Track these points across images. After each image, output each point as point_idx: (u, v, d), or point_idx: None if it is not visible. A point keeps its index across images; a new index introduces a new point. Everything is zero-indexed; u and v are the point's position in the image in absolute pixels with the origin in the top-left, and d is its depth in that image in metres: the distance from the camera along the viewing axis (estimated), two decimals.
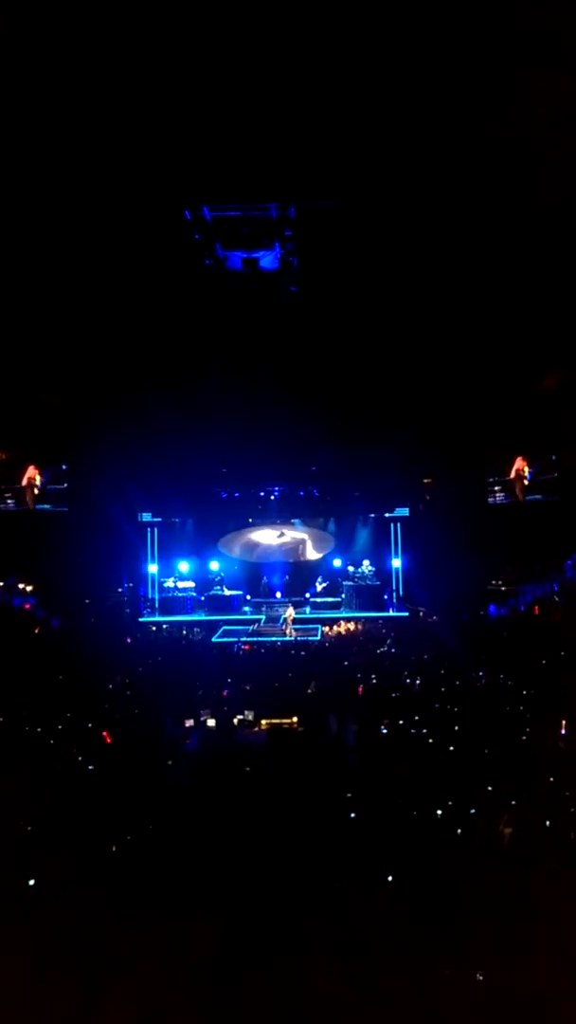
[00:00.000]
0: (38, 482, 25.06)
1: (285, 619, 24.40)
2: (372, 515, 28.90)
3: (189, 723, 12.02)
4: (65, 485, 26.12)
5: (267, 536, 29.92)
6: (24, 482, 24.82)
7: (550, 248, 13.45)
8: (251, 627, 24.94)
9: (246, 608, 27.28)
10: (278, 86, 9.46)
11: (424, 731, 10.82)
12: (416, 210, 12.54)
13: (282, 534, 29.77)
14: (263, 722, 12.64)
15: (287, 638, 22.85)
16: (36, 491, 24.88)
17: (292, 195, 12.14)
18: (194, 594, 27.33)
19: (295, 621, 24.31)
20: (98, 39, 8.64)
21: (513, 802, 7.54)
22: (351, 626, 24.36)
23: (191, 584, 27.62)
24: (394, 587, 27.84)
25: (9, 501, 24.73)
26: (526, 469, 24.96)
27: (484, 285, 15.12)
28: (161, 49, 8.91)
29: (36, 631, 21.24)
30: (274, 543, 29.83)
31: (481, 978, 4.66)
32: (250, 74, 9.28)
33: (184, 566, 28.30)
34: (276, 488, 28.46)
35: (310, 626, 24.28)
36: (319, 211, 12.54)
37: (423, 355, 18.30)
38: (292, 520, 29.73)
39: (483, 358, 18.61)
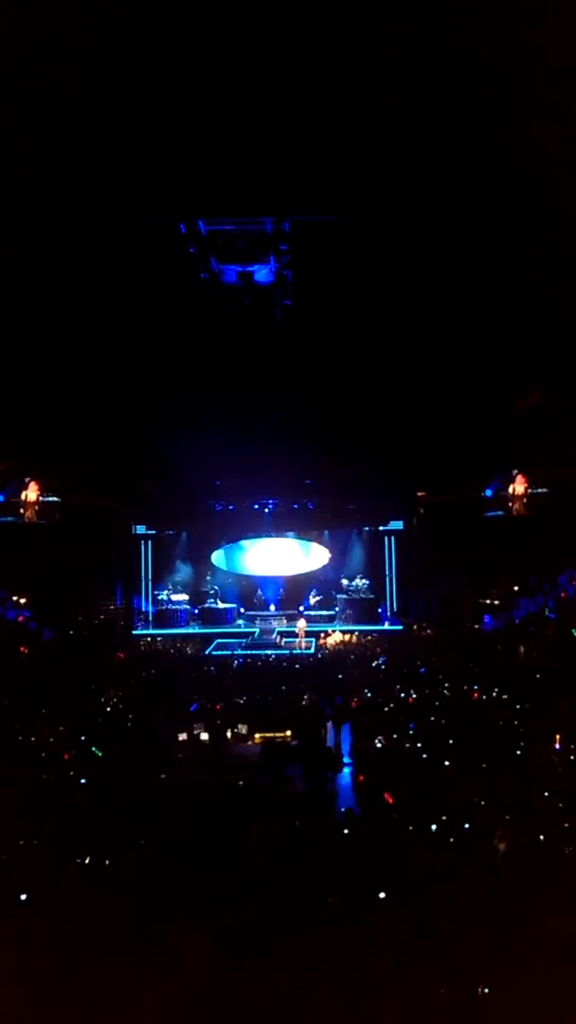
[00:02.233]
0: (38, 497, 25.01)
1: (297, 630, 24.44)
2: (366, 528, 28.94)
3: (182, 736, 11.98)
4: (58, 498, 26.12)
5: (261, 549, 29.92)
6: (25, 497, 24.77)
7: (546, 261, 13.51)
8: (245, 640, 24.90)
9: (240, 621, 27.25)
10: (273, 101, 9.52)
11: (419, 745, 10.78)
12: (411, 225, 12.60)
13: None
14: (257, 735, 12.60)
15: (299, 650, 22.80)
16: (37, 508, 24.82)
17: (286, 210, 12.20)
18: (188, 607, 27.29)
19: (293, 634, 24.37)
20: (95, 54, 8.70)
21: (507, 816, 7.51)
22: (345, 639, 24.33)
23: (185, 597, 27.59)
24: (388, 600, 27.84)
25: None
26: (519, 483, 25.01)
27: (478, 300, 15.18)
28: (157, 65, 8.97)
29: (28, 644, 21.14)
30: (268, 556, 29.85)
31: (486, 991, 4.64)
32: (245, 89, 9.34)
33: (178, 579, 28.28)
34: (271, 501, 28.47)
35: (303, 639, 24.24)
36: (313, 225, 12.58)
37: (418, 369, 18.34)
38: (286, 533, 29.74)
39: (478, 372, 18.67)
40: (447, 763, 9.84)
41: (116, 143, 10.45)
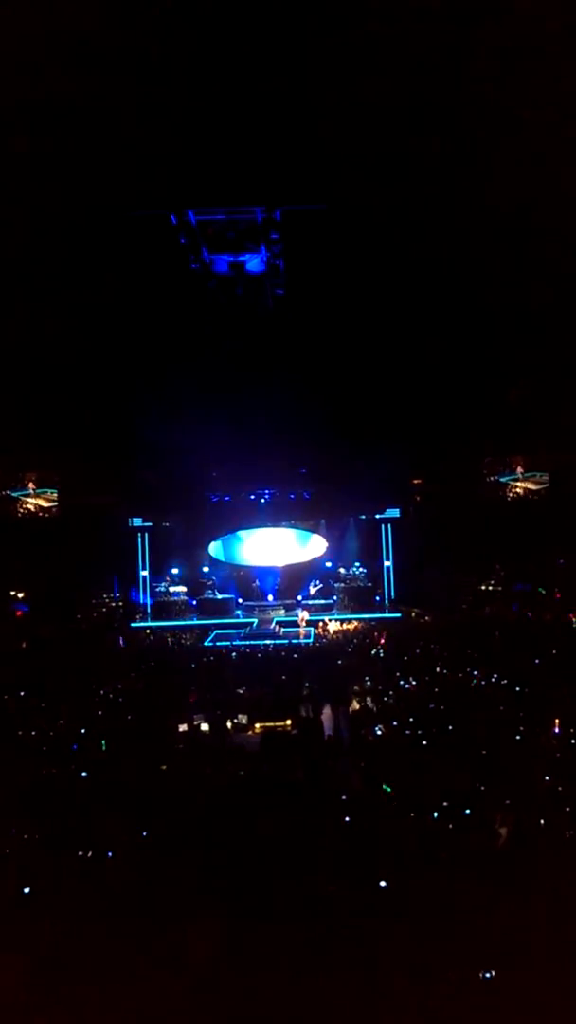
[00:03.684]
0: (35, 491, 25.04)
1: (299, 619, 24.48)
2: (363, 517, 28.95)
3: (183, 727, 11.99)
4: (56, 491, 26.15)
5: (258, 539, 29.93)
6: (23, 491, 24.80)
7: (541, 247, 13.48)
8: (243, 630, 24.93)
9: (238, 612, 27.27)
10: (263, 90, 9.46)
11: (419, 732, 10.81)
12: (402, 212, 12.56)
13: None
14: (257, 726, 12.62)
15: (298, 639, 22.81)
16: (35, 502, 24.84)
17: (277, 199, 12.15)
18: (186, 598, 27.32)
19: (292, 623, 24.39)
20: (86, 45, 8.64)
21: (508, 802, 7.54)
22: (344, 627, 24.36)
23: (183, 588, 27.61)
24: (386, 588, 27.88)
25: None
26: (517, 469, 25.04)
27: (472, 286, 15.15)
28: (148, 55, 8.91)
29: (27, 637, 21.15)
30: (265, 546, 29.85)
31: (489, 976, 4.66)
32: (236, 78, 9.28)
33: (176, 571, 28.28)
34: (267, 491, 28.47)
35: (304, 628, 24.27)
36: (305, 214, 12.54)
37: (413, 356, 18.33)
38: (283, 523, 29.74)
39: (473, 358, 18.66)
40: (447, 749, 9.86)
41: (106, 134, 10.40)
